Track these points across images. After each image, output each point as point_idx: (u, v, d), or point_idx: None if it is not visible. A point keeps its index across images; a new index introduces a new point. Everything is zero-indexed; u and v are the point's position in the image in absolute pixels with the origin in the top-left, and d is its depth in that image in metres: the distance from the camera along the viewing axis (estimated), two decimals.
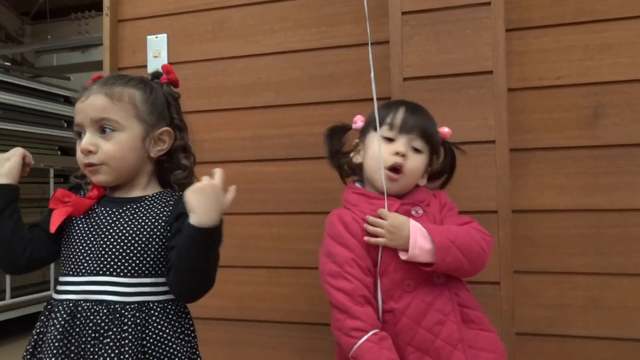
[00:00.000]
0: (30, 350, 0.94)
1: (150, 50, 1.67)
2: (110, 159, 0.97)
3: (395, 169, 1.06)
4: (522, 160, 1.36)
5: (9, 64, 3.18)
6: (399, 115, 1.10)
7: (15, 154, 0.99)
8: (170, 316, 0.95)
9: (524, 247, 1.35)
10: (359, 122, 1.20)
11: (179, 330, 0.96)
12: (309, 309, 1.51)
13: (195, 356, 0.99)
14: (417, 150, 1.09)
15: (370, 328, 0.96)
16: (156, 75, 1.08)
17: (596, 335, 1.31)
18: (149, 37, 1.68)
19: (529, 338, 1.35)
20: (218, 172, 0.90)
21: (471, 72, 1.33)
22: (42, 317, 0.96)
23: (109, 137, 0.97)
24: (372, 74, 1.14)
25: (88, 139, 0.96)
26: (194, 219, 0.87)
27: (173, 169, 1.05)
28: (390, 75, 1.39)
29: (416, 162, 1.08)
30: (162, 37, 1.67)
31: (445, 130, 1.16)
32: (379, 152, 1.06)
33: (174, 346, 0.93)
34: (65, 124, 3.19)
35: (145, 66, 1.68)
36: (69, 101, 3.25)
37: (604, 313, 1.31)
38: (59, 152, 3.17)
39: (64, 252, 0.97)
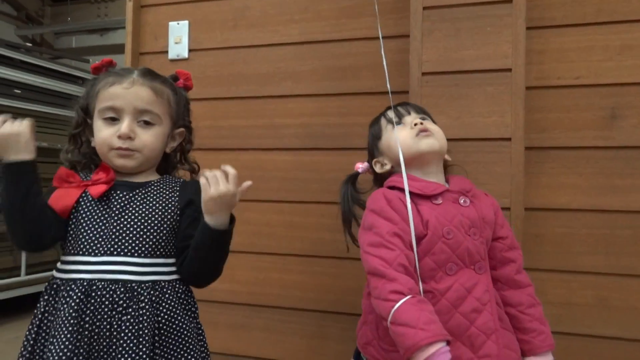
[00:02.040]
0: (35, 329, 0.95)
1: (171, 37, 1.69)
2: (146, 148, 1.01)
3: (422, 131, 1.08)
4: (537, 158, 1.37)
5: (29, 44, 3.21)
6: (392, 111, 1.15)
7: (26, 125, 0.97)
8: (179, 294, 1.00)
9: (535, 245, 1.37)
10: (360, 166, 1.22)
11: (186, 308, 1.01)
12: (319, 297, 1.54)
13: (200, 331, 1.04)
14: (425, 119, 1.13)
15: (409, 292, 0.92)
16: (174, 78, 1.13)
17: (603, 335, 1.33)
18: (171, 23, 1.70)
19: None
20: (233, 176, 0.95)
21: (490, 69, 1.33)
22: (46, 297, 0.97)
23: (148, 128, 1.02)
24: (384, 65, 1.16)
25: (129, 125, 0.99)
26: (212, 222, 0.96)
27: (177, 165, 1.15)
28: (409, 70, 1.40)
29: (436, 127, 1.11)
30: (184, 24, 1.68)
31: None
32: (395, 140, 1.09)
33: (184, 322, 0.98)
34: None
35: (167, 52, 1.70)
36: None
37: (611, 313, 1.32)
38: None
39: (73, 232, 0.99)
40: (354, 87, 1.53)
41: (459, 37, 1.36)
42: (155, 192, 1.03)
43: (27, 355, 0.94)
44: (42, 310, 0.96)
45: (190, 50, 1.69)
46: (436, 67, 1.37)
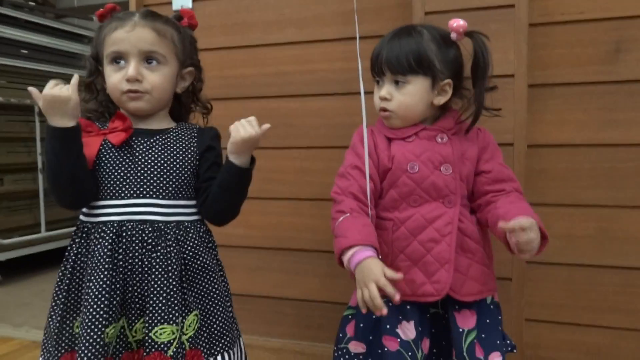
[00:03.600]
0: (70, 269, 1.01)
1: None
2: (155, 89, 1.04)
3: (382, 110, 1.12)
4: (541, 95, 1.39)
5: (33, 3, 3.19)
6: (373, 56, 1.13)
7: (74, 91, 0.97)
8: (200, 234, 1.07)
9: (538, 180, 1.40)
10: None
11: (208, 246, 1.08)
12: (330, 238, 1.58)
13: (220, 267, 1.12)
14: (400, 83, 1.09)
15: (350, 211, 1.05)
16: (178, 17, 1.13)
17: (604, 264, 1.38)
18: None
19: (538, 266, 1.42)
20: (253, 121, 1.02)
21: (493, 5, 1.33)
22: (77, 240, 1.02)
23: (154, 69, 1.03)
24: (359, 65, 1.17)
25: (136, 67, 1.01)
26: (238, 161, 1.03)
27: (190, 105, 1.17)
28: (412, 10, 1.40)
29: (402, 97, 1.08)
30: None
31: (453, 25, 1.09)
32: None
33: (206, 259, 1.05)
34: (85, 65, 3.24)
35: (170, 3, 1.71)
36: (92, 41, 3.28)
37: (613, 243, 1.37)
38: None
39: (99, 179, 1.02)
40: (359, 31, 1.53)
41: None
42: (174, 138, 1.07)
43: (64, 294, 1.00)
44: (75, 251, 1.02)
45: (193, 1, 1.69)
46: (439, 5, 1.37)
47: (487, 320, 1.09)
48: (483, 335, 1.07)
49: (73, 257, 1.02)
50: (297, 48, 1.61)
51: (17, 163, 2.81)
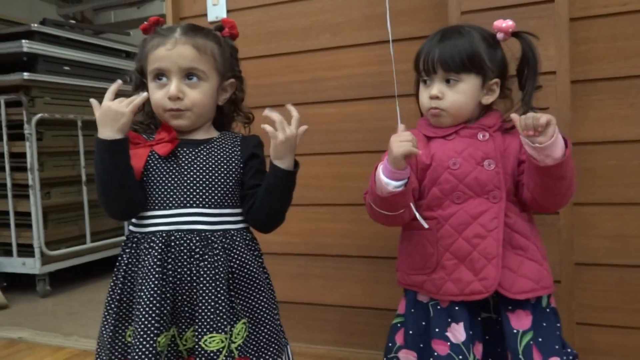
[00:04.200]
0: (121, 279, 1.03)
1: None
2: (196, 106, 1.05)
3: (432, 109, 1.11)
4: (584, 92, 1.35)
5: (73, 21, 3.30)
6: (422, 57, 1.11)
7: (130, 109, 1.00)
8: (247, 241, 1.08)
9: (585, 179, 1.36)
10: None
11: (255, 254, 1.09)
12: (370, 244, 1.59)
13: (267, 275, 1.12)
14: (452, 81, 1.09)
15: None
16: (219, 28, 1.14)
17: None
18: None
19: (587, 268, 1.37)
20: (296, 119, 1.03)
21: (531, 1, 1.30)
22: (128, 250, 1.05)
23: (195, 86, 1.05)
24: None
25: (177, 86, 1.03)
26: (284, 164, 1.03)
27: (232, 115, 1.18)
28: (448, 10, 1.38)
29: (454, 96, 1.08)
30: None
31: (502, 26, 1.11)
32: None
33: (253, 267, 1.06)
34: (129, 79, 3.33)
35: (205, 15, 1.74)
36: (130, 56, 3.37)
37: None
38: None
39: (147, 190, 1.05)
40: (393, 34, 1.52)
41: None
42: (218, 148, 1.08)
43: (116, 304, 1.03)
44: (126, 262, 1.04)
45: (228, 11, 1.72)
46: (476, 4, 1.35)
47: (544, 324, 1.05)
48: (540, 339, 1.03)
49: (124, 267, 1.04)
50: (331, 54, 1.61)
51: (63, 176, 2.89)
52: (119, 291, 1.03)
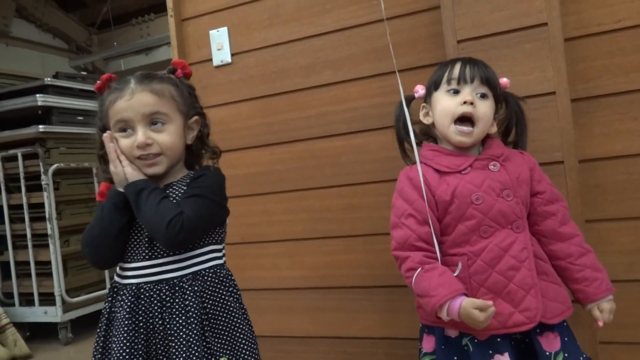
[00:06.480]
0: (104, 328, 1.06)
1: (213, 44, 1.78)
2: (167, 149, 1.06)
3: (466, 119, 1.10)
4: (586, 109, 1.36)
5: (84, 72, 3.41)
6: (457, 69, 1.13)
7: (123, 167, 1.06)
8: (220, 278, 1.08)
9: (595, 195, 1.36)
10: (419, 90, 1.24)
11: (230, 290, 1.09)
12: (386, 273, 1.59)
13: (243, 309, 1.11)
14: (483, 96, 1.12)
15: (419, 265, 1.06)
16: (172, 71, 1.16)
17: None
18: (211, 32, 1.78)
19: None
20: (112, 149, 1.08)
21: (525, 26, 1.33)
22: (109, 299, 1.07)
23: (161, 130, 1.06)
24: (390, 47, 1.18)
25: (144, 133, 1.04)
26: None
27: (201, 152, 1.18)
28: (444, 40, 1.41)
29: (485, 108, 1.11)
30: (223, 30, 1.76)
31: (504, 80, 1.18)
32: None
33: (228, 303, 1.06)
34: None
35: (211, 59, 1.79)
36: None
37: None
38: None
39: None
40: (393, 65, 1.56)
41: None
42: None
43: (99, 354, 1.04)
44: (108, 311, 1.06)
45: (232, 55, 1.77)
46: (471, 32, 1.38)
47: (566, 339, 1.07)
48: (566, 355, 1.05)
49: (106, 316, 1.06)
50: (335, 88, 1.65)
51: (80, 224, 2.94)
52: (101, 342, 1.05)
